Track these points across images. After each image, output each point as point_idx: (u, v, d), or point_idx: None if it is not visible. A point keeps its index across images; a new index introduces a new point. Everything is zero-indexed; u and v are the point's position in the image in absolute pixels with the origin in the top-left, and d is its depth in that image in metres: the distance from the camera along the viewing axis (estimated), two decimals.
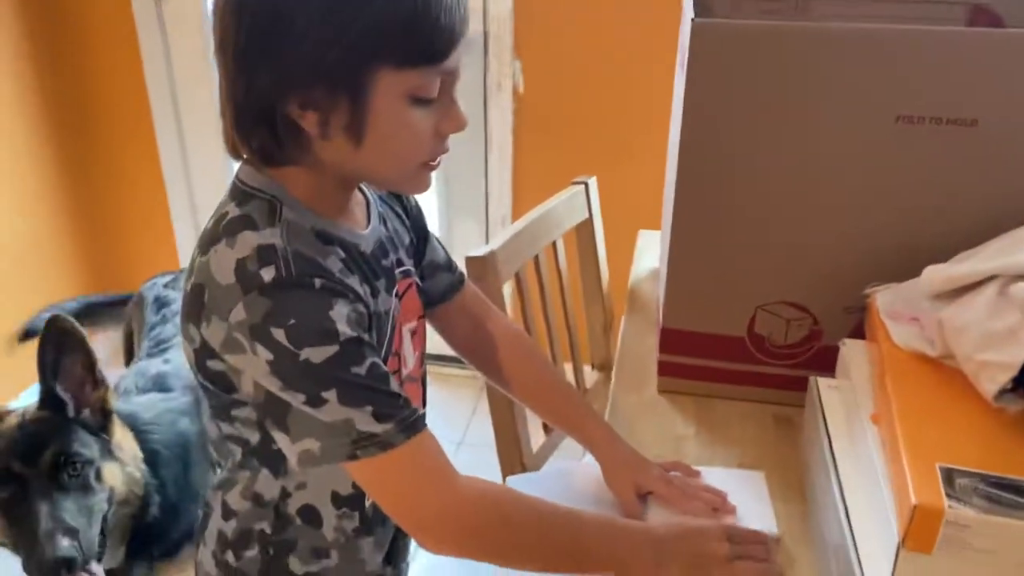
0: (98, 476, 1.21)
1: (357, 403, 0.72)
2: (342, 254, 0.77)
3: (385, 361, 0.80)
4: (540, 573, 0.84)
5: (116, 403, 1.32)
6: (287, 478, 0.85)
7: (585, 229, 1.50)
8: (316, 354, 0.71)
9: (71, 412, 1.23)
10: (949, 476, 0.71)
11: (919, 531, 0.69)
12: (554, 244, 1.43)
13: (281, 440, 0.75)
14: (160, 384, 1.49)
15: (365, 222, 0.84)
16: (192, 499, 1.37)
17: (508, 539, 0.79)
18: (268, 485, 0.85)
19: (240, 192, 0.77)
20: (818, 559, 0.89)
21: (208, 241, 0.75)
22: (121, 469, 1.25)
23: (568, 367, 1.55)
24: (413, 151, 0.76)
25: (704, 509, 0.93)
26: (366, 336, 0.75)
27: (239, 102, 0.73)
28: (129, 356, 1.78)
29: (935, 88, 0.93)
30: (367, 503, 0.88)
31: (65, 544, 1.11)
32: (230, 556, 0.88)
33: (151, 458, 1.33)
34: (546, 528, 0.80)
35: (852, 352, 0.97)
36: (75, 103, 2.54)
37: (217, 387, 0.79)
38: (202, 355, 0.77)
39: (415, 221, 0.96)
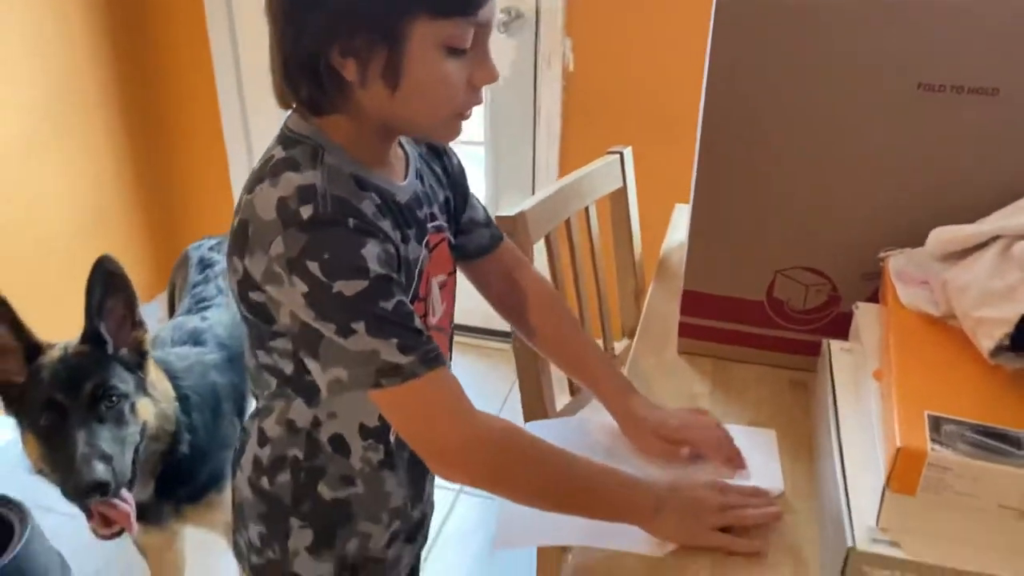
0: (132, 410, 1.29)
1: (383, 335, 0.77)
2: (377, 200, 0.82)
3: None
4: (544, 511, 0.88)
5: (153, 351, 1.40)
6: (319, 408, 0.90)
7: (619, 198, 1.53)
8: (347, 287, 0.76)
9: (110, 349, 1.31)
10: (936, 423, 0.73)
11: (903, 472, 0.72)
12: (587, 210, 1.46)
13: (313, 368, 0.81)
14: (195, 338, 1.57)
15: (403, 175, 0.89)
16: (219, 447, 1.44)
17: (520, 475, 0.84)
18: (301, 413, 0.91)
19: (286, 138, 0.83)
20: (817, 510, 0.92)
21: (254, 181, 0.81)
22: (154, 405, 1.33)
23: (598, 337, 1.59)
24: (446, 100, 0.80)
25: (718, 457, 0.97)
26: (395, 275, 0.80)
27: (287, 52, 0.78)
28: (172, 312, 1.87)
29: (957, 56, 0.94)
30: (391, 437, 0.93)
31: (100, 468, 1.19)
32: (264, 481, 0.94)
33: (182, 401, 1.40)
34: (557, 469, 0.84)
35: (865, 315, 0.99)
36: (140, 61, 2.66)
37: (257, 318, 0.84)
38: (244, 287, 0.82)
39: (455, 181, 1.01)
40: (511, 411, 2.36)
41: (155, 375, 1.37)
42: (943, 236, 0.86)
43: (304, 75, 0.79)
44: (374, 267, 0.77)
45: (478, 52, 0.80)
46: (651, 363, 1.20)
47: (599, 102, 2.33)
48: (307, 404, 0.90)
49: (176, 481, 1.41)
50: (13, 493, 1.65)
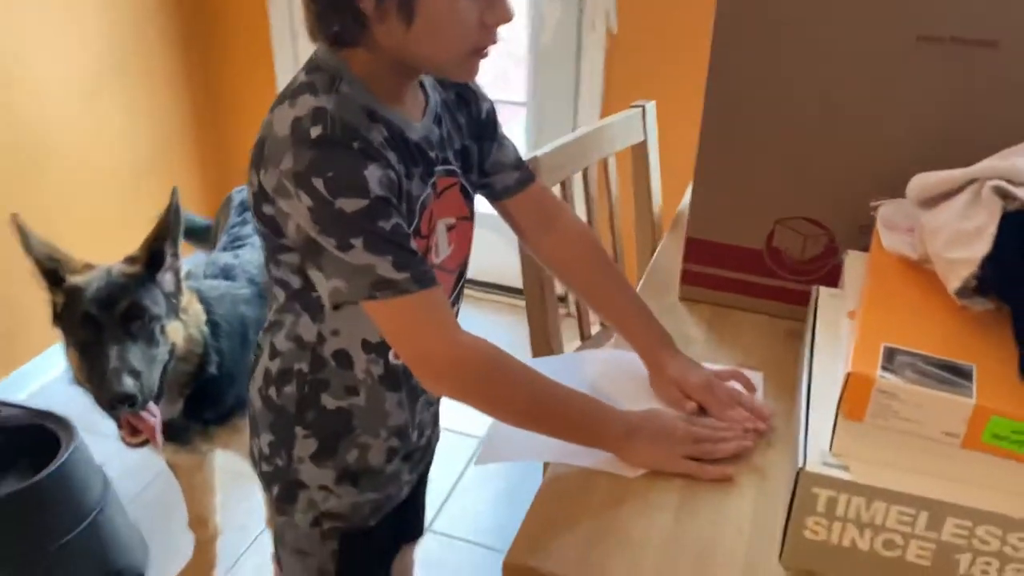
0: (162, 331, 1.38)
1: (380, 252, 0.82)
2: (385, 132, 0.87)
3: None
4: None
5: (186, 281, 1.49)
6: (323, 324, 0.96)
7: (640, 151, 1.56)
8: (348, 204, 0.81)
9: (159, 273, 1.40)
10: (891, 354, 0.76)
11: (852, 397, 0.75)
12: (606, 162, 1.50)
13: (317, 279, 0.87)
14: (227, 273, 1.65)
15: (420, 116, 0.94)
16: (245, 373, 1.51)
17: (503, 392, 0.89)
18: (308, 329, 0.97)
19: (311, 65, 0.89)
20: (790, 445, 0.95)
21: (277, 102, 0.87)
22: (184, 328, 1.43)
23: None
24: (459, 37, 0.84)
25: (738, 421, 0.97)
26: (394, 199, 0.85)
27: None
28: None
29: (956, 8, 0.95)
30: (391, 355, 0.99)
31: (129, 382, 1.28)
32: (272, 391, 1.01)
33: (212, 328, 1.49)
34: (537, 390, 0.90)
35: (853, 262, 1.01)
36: (200, 5, 2.77)
37: (269, 229, 0.90)
38: (259, 199, 0.88)
39: (483, 127, 1.04)
40: None
41: (188, 301, 1.46)
42: (921, 181, 0.88)
43: (328, 9, 0.84)
44: (375, 188, 0.82)
45: None
46: (651, 306, 1.23)
47: (642, 65, 2.34)
48: (312, 320, 0.96)
49: (204, 402, 1.50)
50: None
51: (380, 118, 0.87)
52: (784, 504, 0.80)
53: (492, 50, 0.87)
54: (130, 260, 1.40)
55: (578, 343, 1.49)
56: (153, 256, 1.40)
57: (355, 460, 1.03)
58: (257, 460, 1.07)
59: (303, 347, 0.98)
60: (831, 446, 0.78)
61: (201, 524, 1.80)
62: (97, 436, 1.72)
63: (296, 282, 0.94)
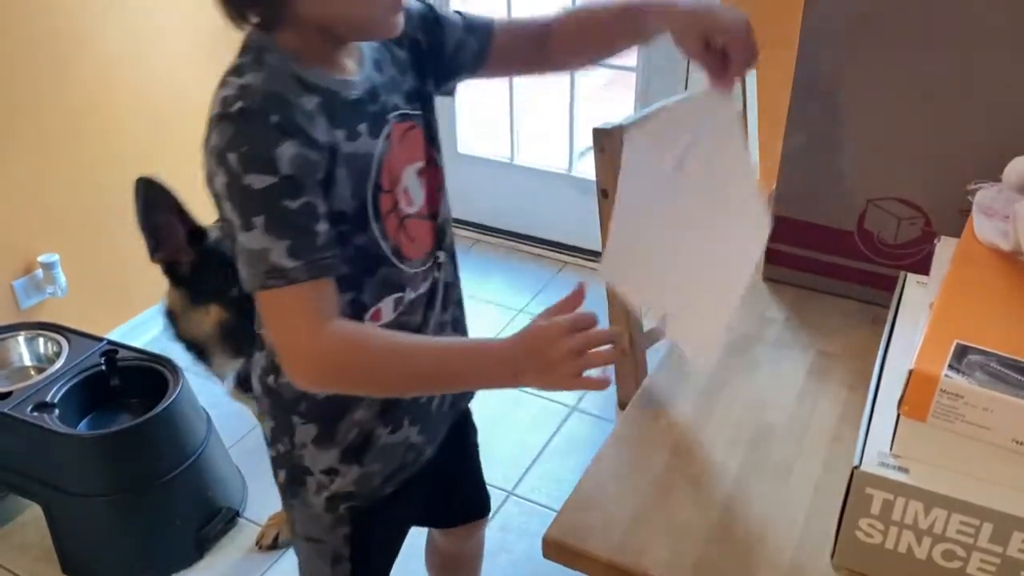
0: None
1: (278, 234, 0.80)
2: (317, 99, 0.84)
3: (375, 199, 0.89)
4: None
5: None
6: None
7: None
8: (256, 181, 0.79)
9: None
10: (963, 351, 0.70)
11: (914, 397, 0.70)
12: None
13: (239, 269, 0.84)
14: None
15: (357, 70, 0.90)
16: None
17: (357, 383, 0.89)
18: None
19: (242, 46, 0.87)
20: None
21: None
22: None
23: None
24: None
25: (739, 57, 0.89)
26: (309, 179, 0.82)
27: None
28: None
29: None
30: (367, 318, 0.94)
31: None
32: (271, 379, 1.01)
33: None
34: (396, 369, 0.87)
35: (943, 249, 0.94)
36: None
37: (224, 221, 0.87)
38: (207, 184, 0.85)
39: (427, 35, 0.98)
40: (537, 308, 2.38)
41: None
42: (1020, 165, 0.81)
43: None
44: (284, 167, 0.80)
45: None
46: None
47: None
48: None
49: None
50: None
51: (312, 86, 0.85)
52: (840, 502, 0.76)
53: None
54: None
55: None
56: None
57: (355, 436, 1.01)
58: (267, 444, 1.07)
59: None
60: (891, 446, 0.73)
61: None
62: (204, 380, 1.81)
63: None
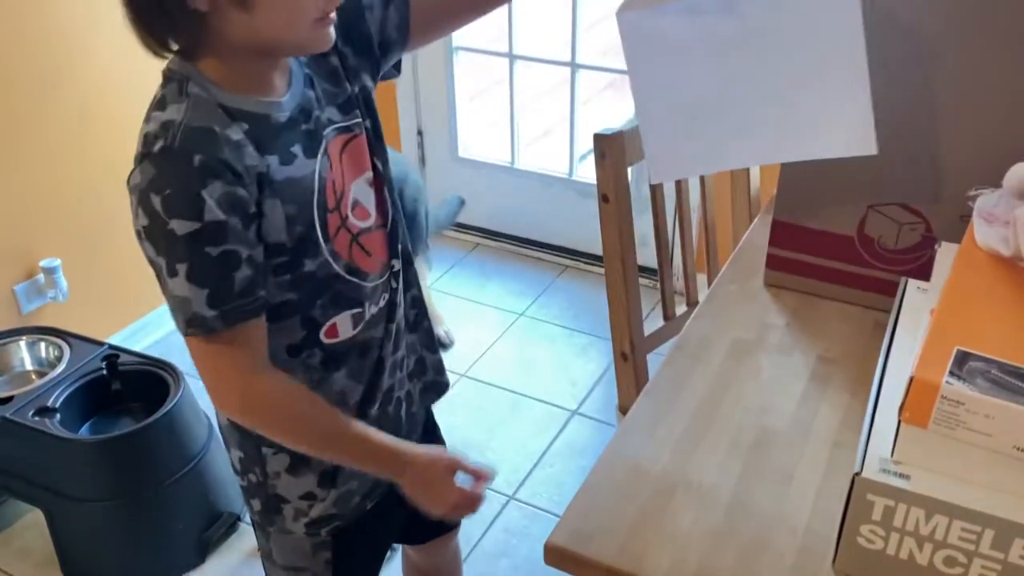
0: None
1: (199, 283, 0.79)
2: (245, 126, 0.82)
3: (322, 220, 0.88)
4: None
5: None
6: None
7: None
8: (180, 227, 0.78)
9: None
10: (963, 358, 0.70)
11: (915, 404, 0.70)
12: None
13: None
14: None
15: (285, 89, 0.87)
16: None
17: (285, 434, 0.92)
18: None
19: (164, 76, 0.84)
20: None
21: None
22: None
23: (702, 277, 1.58)
24: (300, 8, 0.80)
25: None
26: (235, 219, 0.80)
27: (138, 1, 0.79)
28: None
29: None
30: (321, 335, 0.94)
31: None
32: None
33: None
34: (322, 432, 0.92)
35: (944, 255, 0.94)
36: None
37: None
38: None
39: (354, 36, 0.94)
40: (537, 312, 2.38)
41: None
42: (1020, 171, 0.81)
43: (159, 20, 0.79)
44: (210, 210, 0.78)
45: None
46: (732, 289, 1.19)
47: None
48: None
49: None
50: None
51: (237, 113, 0.82)
52: (841, 508, 0.76)
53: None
54: None
55: (660, 323, 1.46)
56: None
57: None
58: (236, 473, 1.05)
59: None
60: (892, 452, 0.73)
61: None
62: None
63: None
